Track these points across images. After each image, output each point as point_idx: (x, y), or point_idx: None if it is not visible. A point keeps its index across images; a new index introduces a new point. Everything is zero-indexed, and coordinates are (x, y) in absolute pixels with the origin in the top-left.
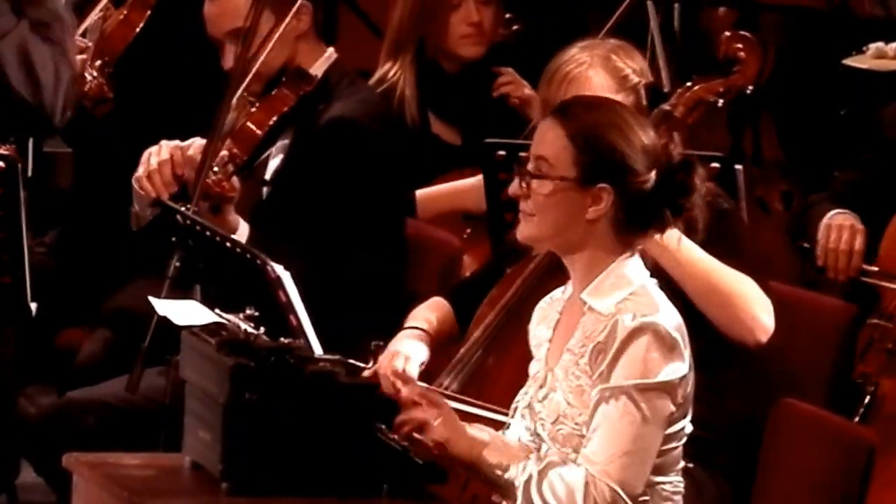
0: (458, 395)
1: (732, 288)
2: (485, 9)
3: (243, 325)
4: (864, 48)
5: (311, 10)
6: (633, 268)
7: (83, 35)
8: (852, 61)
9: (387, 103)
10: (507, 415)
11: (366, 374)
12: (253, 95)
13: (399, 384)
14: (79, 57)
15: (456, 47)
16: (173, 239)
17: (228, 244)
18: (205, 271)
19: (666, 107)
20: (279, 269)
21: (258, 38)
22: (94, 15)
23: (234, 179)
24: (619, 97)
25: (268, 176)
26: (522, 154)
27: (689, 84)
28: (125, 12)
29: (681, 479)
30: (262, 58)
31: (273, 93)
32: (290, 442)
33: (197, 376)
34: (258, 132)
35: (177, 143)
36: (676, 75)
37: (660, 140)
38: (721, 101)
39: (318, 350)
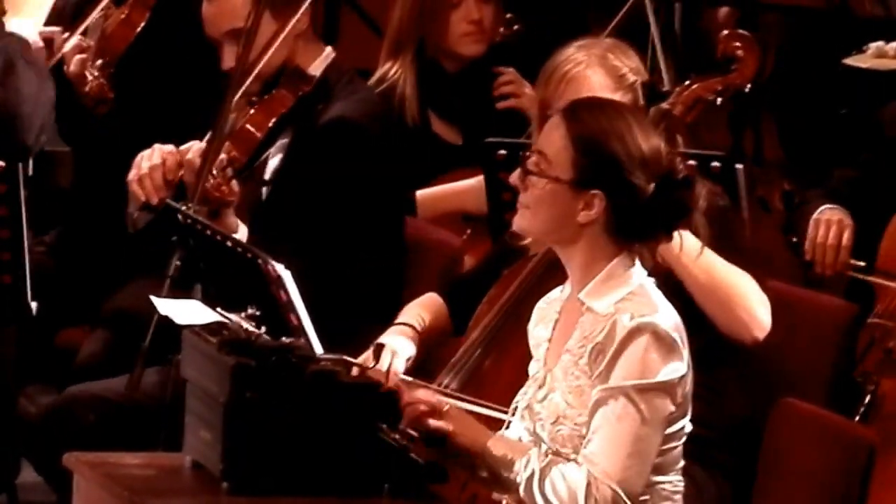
0: (458, 394)
1: (731, 285)
2: (485, 7)
3: (244, 325)
4: (865, 47)
5: (309, 10)
6: (630, 267)
7: (84, 34)
8: (853, 61)
9: (387, 103)
10: (507, 413)
11: (354, 371)
12: (251, 95)
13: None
14: (79, 56)
15: (456, 46)
16: (174, 238)
17: (229, 243)
18: (205, 270)
19: (665, 105)
20: (280, 269)
21: (258, 39)
22: (95, 14)
23: (234, 183)
24: (616, 96)
25: (267, 176)
26: (527, 152)
27: (687, 83)
28: (126, 12)
29: (681, 478)
30: (264, 59)
31: (272, 94)
32: (290, 441)
33: (198, 375)
34: (257, 134)
35: (170, 147)
36: (678, 75)
37: (666, 151)
38: (719, 100)
39: (318, 349)
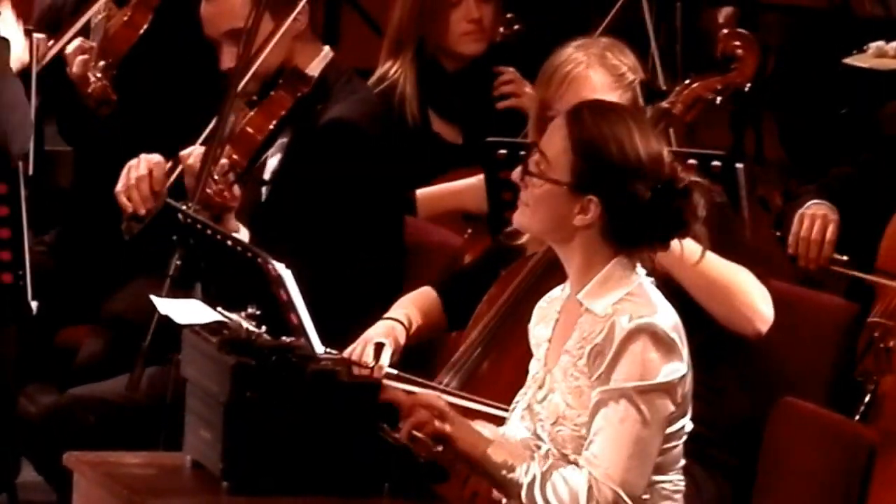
0: (458, 392)
1: (731, 279)
2: (484, 6)
3: (245, 324)
4: (865, 47)
5: (308, 10)
6: (628, 268)
7: (86, 35)
8: (853, 60)
9: (387, 102)
10: (507, 411)
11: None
12: (250, 96)
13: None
14: (81, 58)
15: (456, 45)
16: (174, 238)
17: (229, 242)
18: (205, 270)
19: (664, 104)
20: (280, 268)
21: (258, 39)
22: (91, 13)
23: (235, 188)
24: (616, 94)
25: (266, 176)
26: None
27: (686, 82)
28: (129, 13)
29: (681, 477)
30: (259, 60)
31: (270, 96)
32: (291, 441)
33: (198, 375)
34: (258, 137)
35: (157, 157)
36: (679, 74)
37: (668, 159)
38: (719, 99)
39: (319, 349)
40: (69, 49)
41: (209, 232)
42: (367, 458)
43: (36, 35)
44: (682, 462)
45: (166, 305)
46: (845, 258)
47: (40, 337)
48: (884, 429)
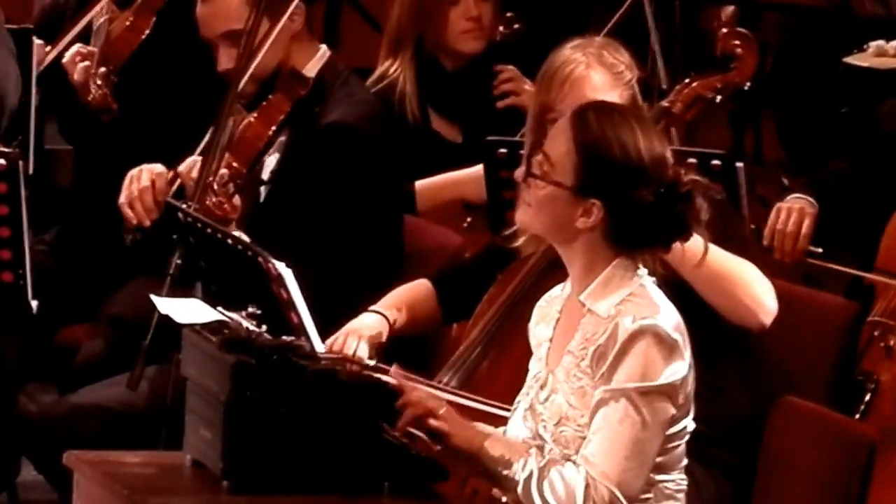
0: (457, 391)
1: (734, 272)
2: (483, 4)
3: (245, 323)
4: (865, 46)
5: (304, 10)
6: (630, 269)
7: (87, 38)
8: (853, 59)
9: (386, 101)
10: (507, 410)
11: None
12: (247, 97)
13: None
14: (83, 64)
15: (455, 43)
16: (174, 237)
17: (230, 241)
18: (206, 269)
19: (664, 103)
20: (280, 267)
21: (256, 42)
22: (91, 16)
23: (235, 199)
24: (615, 93)
25: (265, 176)
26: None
27: (686, 80)
28: (131, 17)
29: (684, 476)
30: (255, 62)
31: (269, 100)
32: (291, 440)
33: (198, 374)
34: (257, 144)
35: (159, 168)
36: (679, 73)
37: (672, 161)
38: (719, 98)
39: (319, 348)
40: (68, 55)
41: (209, 231)
42: (367, 458)
43: (35, 41)
44: (685, 461)
45: (167, 305)
46: (820, 250)
47: (40, 336)
48: (884, 428)
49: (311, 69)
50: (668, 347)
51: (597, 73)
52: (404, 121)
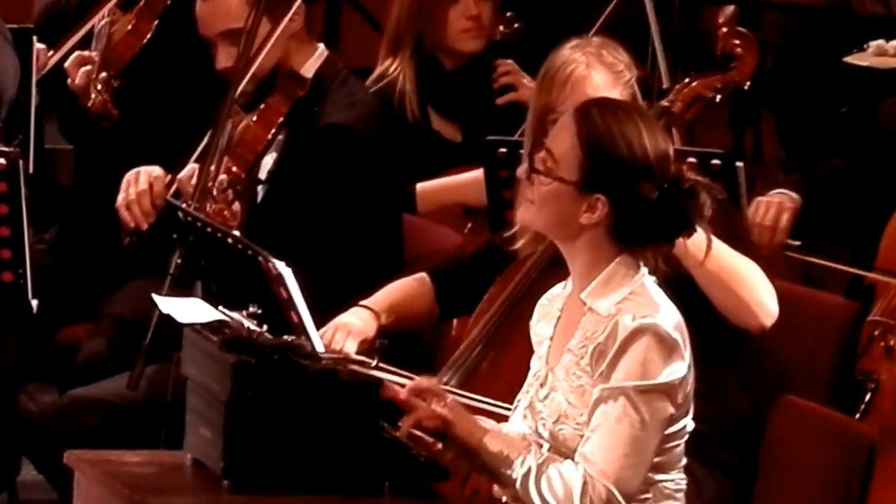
0: (458, 390)
1: (738, 272)
2: (483, 3)
3: (246, 323)
4: (865, 46)
5: (303, 10)
6: (632, 267)
7: (88, 41)
8: (853, 59)
9: (386, 101)
10: (508, 409)
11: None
12: (245, 97)
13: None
14: (83, 69)
15: (455, 42)
16: (174, 236)
17: (230, 240)
18: (206, 268)
19: (664, 103)
20: (280, 266)
21: (257, 43)
22: (99, 19)
23: (235, 206)
24: (616, 92)
25: (262, 175)
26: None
27: (686, 80)
28: (133, 21)
29: (683, 476)
30: (256, 63)
31: (267, 102)
32: (291, 440)
33: (199, 373)
34: (257, 148)
35: (157, 171)
36: (678, 73)
37: (675, 159)
38: (718, 97)
39: (319, 347)
40: (69, 60)
41: (209, 230)
42: (367, 457)
43: (37, 45)
44: (684, 461)
45: (168, 304)
46: (797, 244)
47: (41, 335)
48: (884, 427)
49: (308, 69)
50: (667, 346)
51: (597, 72)
52: (404, 120)
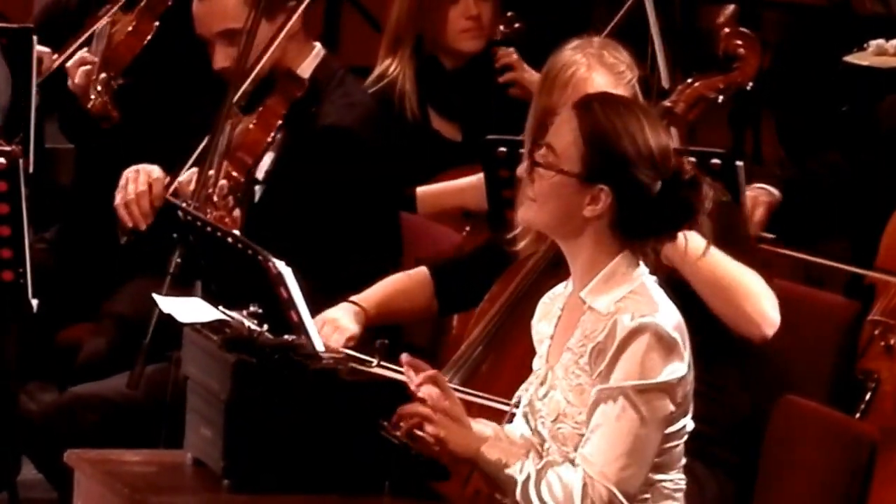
0: (460, 388)
1: (739, 282)
2: (483, 3)
3: (247, 322)
4: (865, 45)
5: (302, 11)
6: (632, 265)
7: (89, 41)
8: (853, 58)
9: (384, 101)
10: (509, 404)
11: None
12: (243, 97)
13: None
14: (84, 69)
15: (455, 42)
16: (174, 235)
17: (230, 240)
18: (206, 268)
19: (666, 103)
20: (280, 266)
21: (256, 44)
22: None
23: (236, 212)
24: (617, 93)
25: (260, 175)
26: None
27: (689, 80)
28: (134, 22)
29: (682, 476)
30: (259, 65)
31: (266, 104)
32: (291, 439)
33: (199, 373)
34: (255, 150)
35: (157, 171)
36: (679, 72)
37: (675, 153)
38: (721, 98)
39: (320, 347)
40: (70, 62)
41: (209, 229)
42: (367, 457)
43: (41, 48)
44: (684, 461)
45: (168, 304)
46: (772, 237)
47: (41, 335)
48: (884, 426)
49: (305, 69)
50: (666, 346)
51: (598, 74)
52: (404, 120)
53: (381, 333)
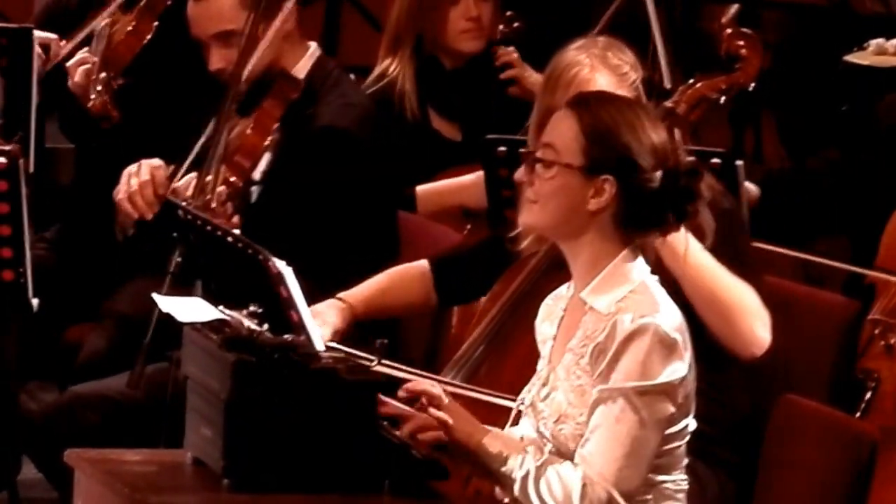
0: (462, 385)
1: (733, 300)
2: (483, 3)
3: (246, 322)
4: (865, 45)
5: (296, 10)
6: (633, 265)
7: (88, 42)
8: (853, 58)
9: (385, 100)
10: (512, 400)
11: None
12: (238, 98)
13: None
14: (83, 68)
15: (455, 42)
16: (174, 234)
17: (230, 239)
18: (206, 267)
19: (668, 104)
20: (280, 265)
21: (254, 45)
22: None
23: (235, 218)
24: (620, 94)
25: (256, 176)
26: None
27: (691, 81)
28: (133, 22)
29: (684, 477)
30: (249, 67)
31: (262, 106)
32: (291, 438)
33: (199, 372)
34: (254, 153)
35: (157, 161)
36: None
37: (671, 143)
38: (723, 98)
39: (320, 346)
40: (71, 61)
41: (209, 228)
42: (367, 456)
43: (48, 34)
44: (686, 461)
45: (168, 303)
46: None
47: (41, 334)
48: (885, 426)
49: (301, 69)
50: (667, 346)
51: (601, 75)
52: (404, 119)
53: (381, 333)
